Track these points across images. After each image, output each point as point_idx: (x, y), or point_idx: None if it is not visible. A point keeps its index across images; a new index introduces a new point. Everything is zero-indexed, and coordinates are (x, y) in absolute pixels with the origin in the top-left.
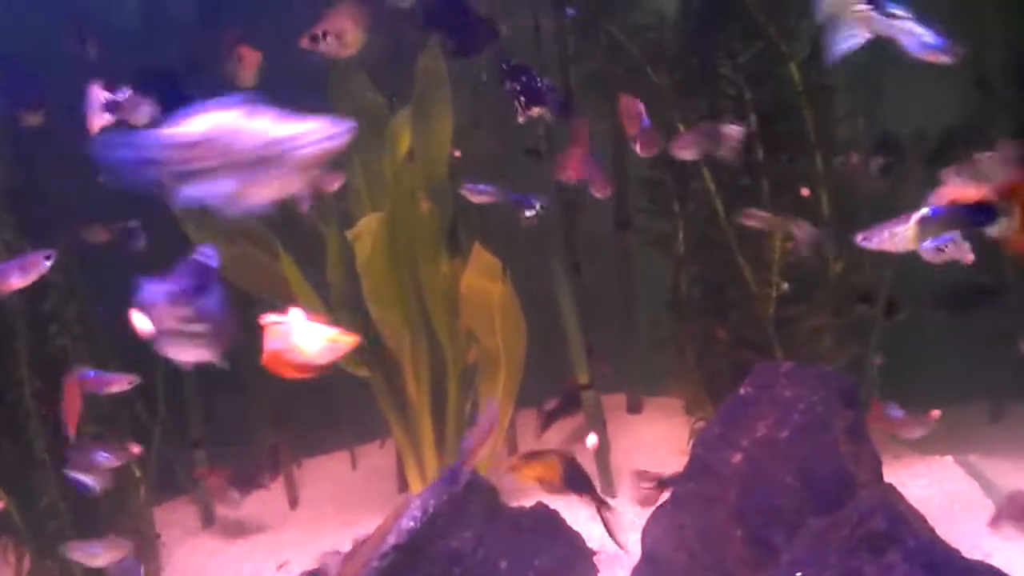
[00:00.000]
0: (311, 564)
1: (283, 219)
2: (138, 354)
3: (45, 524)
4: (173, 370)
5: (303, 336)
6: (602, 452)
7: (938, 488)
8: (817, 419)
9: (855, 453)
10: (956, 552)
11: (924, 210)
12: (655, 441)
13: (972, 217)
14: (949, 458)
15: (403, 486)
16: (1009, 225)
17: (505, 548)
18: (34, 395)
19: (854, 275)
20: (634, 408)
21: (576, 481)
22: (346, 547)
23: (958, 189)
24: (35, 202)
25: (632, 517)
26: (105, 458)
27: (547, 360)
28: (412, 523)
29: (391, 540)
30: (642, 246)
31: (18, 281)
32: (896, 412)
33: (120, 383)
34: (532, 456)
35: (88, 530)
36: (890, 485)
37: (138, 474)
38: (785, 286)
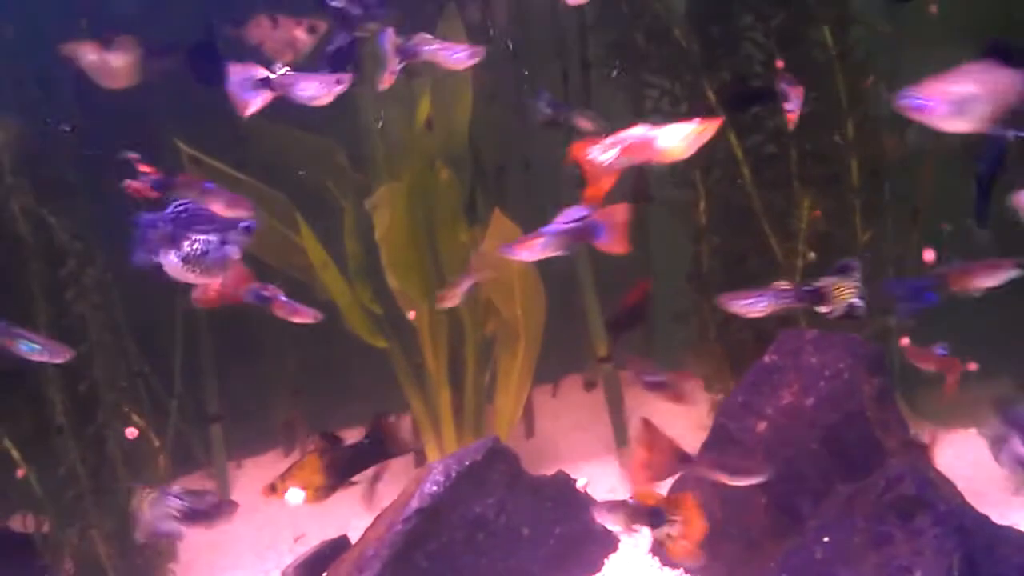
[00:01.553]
0: (329, 536)
1: (302, 190)
2: (155, 326)
3: (64, 492)
4: (190, 344)
5: (668, 137)
6: (619, 426)
7: (963, 460)
8: (844, 386)
9: (883, 420)
10: (986, 517)
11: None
12: (674, 416)
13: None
14: (973, 431)
15: (419, 460)
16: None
17: (527, 515)
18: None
19: (882, 244)
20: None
21: (346, 465)
22: (362, 519)
23: None
24: (55, 168)
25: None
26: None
27: (564, 338)
28: (435, 488)
29: (414, 504)
30: (661, 218)
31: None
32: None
33: (304, 315)
34: (288, 469)
35: (107, 498)
36: (919, 451)
37: (156, 444)
38: (812, 255)
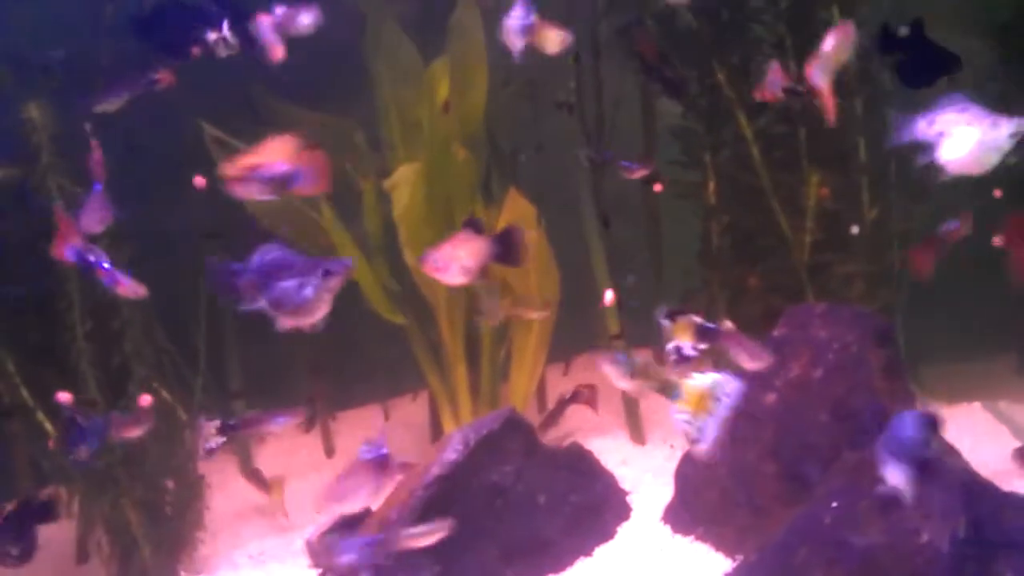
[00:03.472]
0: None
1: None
2: (180, 304)
3: (95, 464)
4: (213, 322)
5: None
6: (631, 400)
7: (968, 432)
8: (852, 358)
9: (890, 390)
10: (991, 483)
11: None
12: None
13: None
14: (977, 404)
15: (435, 437)
16: None
17: (543, 484)
18: (86, 337)
19: (888, 221)
20: (661, 361)
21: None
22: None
23: None
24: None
25: (662, 460)
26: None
27: (576, 317)
28: (455, 455)
29: (435, 471)
30: (671, 198)
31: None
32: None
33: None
34: None
35: (137, 470)
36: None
37: (184, 417)
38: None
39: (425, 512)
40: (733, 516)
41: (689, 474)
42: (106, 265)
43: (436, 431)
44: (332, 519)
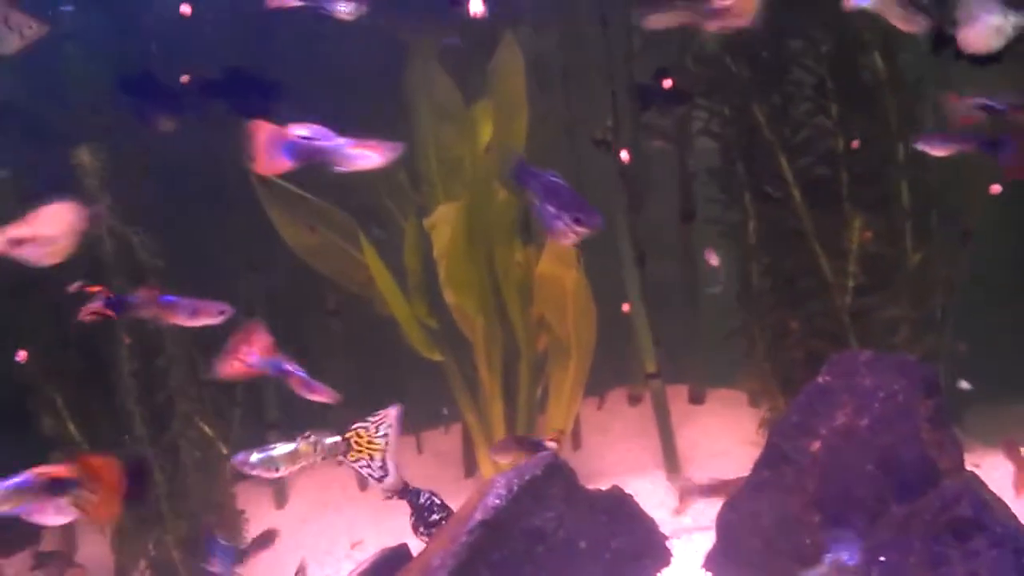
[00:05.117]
0: (386, 543)
1: (362, 207)
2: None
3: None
4: None
5: None
6: (667, 440)
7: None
8: (898, 407)
9: (938, 441)
10: None
11: None
12: (720, 431)
13: None
14: (1023, 451)
15: (469, 471)
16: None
17: (584, 529)
18: (132, 374)
19: (932, 265)
20: (697, 399)
21: None
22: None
23: None
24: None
25: (702, 505)
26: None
27: (610, 351)
28: (498, 501)
29: (478, 516)
30: (708, 237)
31: (184, 320)
32: None
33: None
34: None
35: (179, 504)
36: (973, 473)
37: (224, 451)
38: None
39: (468, 558)
40: (776, 565)
41: (732, 521)
42: (300, 373)
43: (469, 465)
44: (372, 557)
